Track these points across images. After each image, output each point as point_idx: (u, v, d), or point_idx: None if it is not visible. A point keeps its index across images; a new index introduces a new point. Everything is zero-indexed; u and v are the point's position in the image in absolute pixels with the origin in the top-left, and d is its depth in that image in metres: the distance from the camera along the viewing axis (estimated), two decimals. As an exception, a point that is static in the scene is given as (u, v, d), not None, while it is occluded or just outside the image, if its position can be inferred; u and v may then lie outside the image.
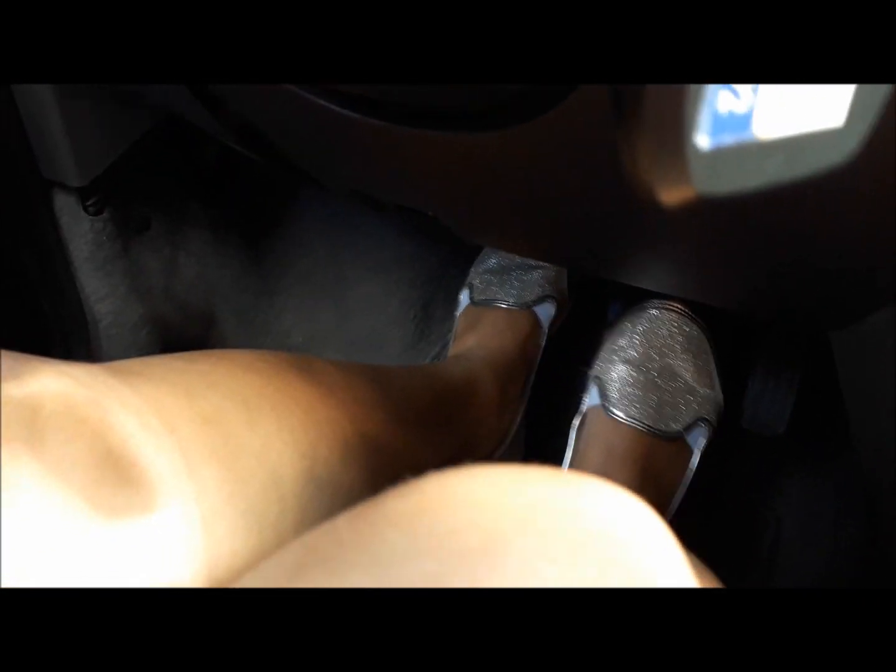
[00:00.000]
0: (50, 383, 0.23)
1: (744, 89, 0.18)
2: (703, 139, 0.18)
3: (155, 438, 0.26)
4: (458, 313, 0.67)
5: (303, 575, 0.18)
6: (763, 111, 0.19)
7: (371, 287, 0.77)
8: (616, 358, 0.54)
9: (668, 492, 0.52)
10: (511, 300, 0.62)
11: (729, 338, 0.57)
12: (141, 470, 0.24)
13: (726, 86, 0.18)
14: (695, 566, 0.28)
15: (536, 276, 0.64)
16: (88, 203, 0.57)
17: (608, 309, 0.63)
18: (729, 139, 0.19)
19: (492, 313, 0.62)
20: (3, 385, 0.22)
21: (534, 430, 0.65)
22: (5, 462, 0.21)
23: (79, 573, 0.22)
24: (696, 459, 0.53)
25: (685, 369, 0.53)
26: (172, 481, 0.25)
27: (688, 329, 0.54)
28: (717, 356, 0.55)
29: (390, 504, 0.19)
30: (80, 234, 0.59)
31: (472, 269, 0.68)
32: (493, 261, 0.67)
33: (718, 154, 0.19)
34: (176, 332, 0.71)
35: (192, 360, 0.32)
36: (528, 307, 0.62)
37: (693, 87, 0.18)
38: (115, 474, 0.23)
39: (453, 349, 0.63)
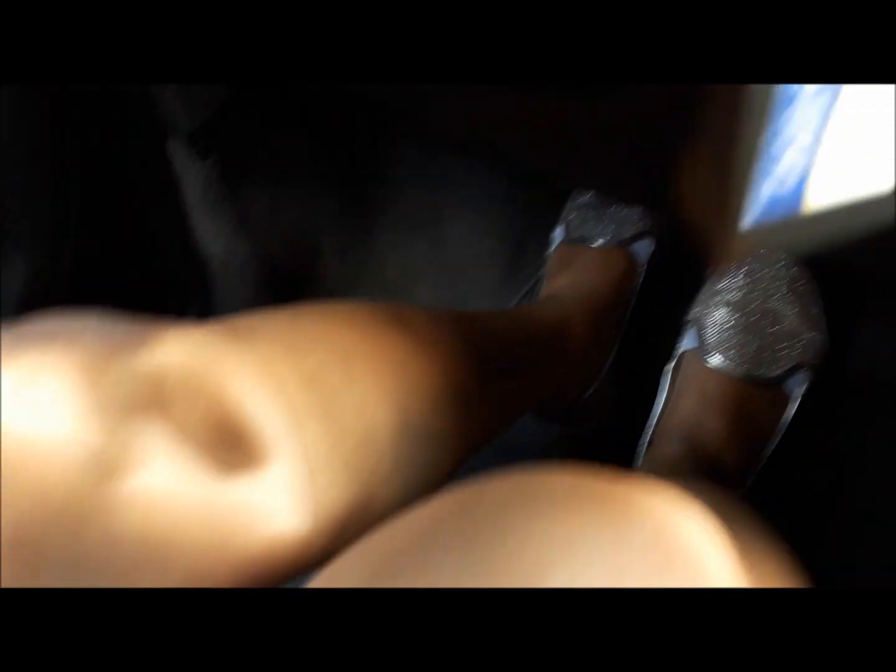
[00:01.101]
0: (173, 353, 0.26)
1: (789, 173, 0.17)
2: (749, 216, 0.18)
3: (266, 398, 0.28)
4: (550, 250, 0.66)
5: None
6: (811, 186, 0.18)
7: (465, 222, 0.78)
8: (716, 300, 0.52)
9: (762, 439, 0.51)
10: (607, 237, 0.61)
11: (836, 279, 0.54)
12: (254, 429, 0.27)
13: (770, 174, 0.17)
14: (762, 551, 0.28)
15: (635, 212, 0.62)
16: (197, 148, 0.60)
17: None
18: (776, 214, 0.18)
19: (585, 253, 0.61)
20: (133, 358, 0.25)
21: (627, 368, 0.65)
22: (142, 427, 0.24)
23: (205, 521, 0.25)
24: (794, 407, 0.52)
25: (789, 312, 0.52)
26: (282, 438, 0.28)
27: (793, 270, 0.52)
28: (820, 299, 0.53)
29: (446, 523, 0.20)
30: (191, 177, 0.62)
31: (569, 203, 0.67)
32: (590, 196, 0.65)
33: (762, 228, 0.18)
34: (281, 268, 0.74)
35: (296, 317, 0.35)
36: (624, 245, 0.61)
37: (737, 181, 0.17)
38: (232, 434, 0.26)
39: (546, 288, 0.63)
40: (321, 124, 0.74)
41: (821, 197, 0.18)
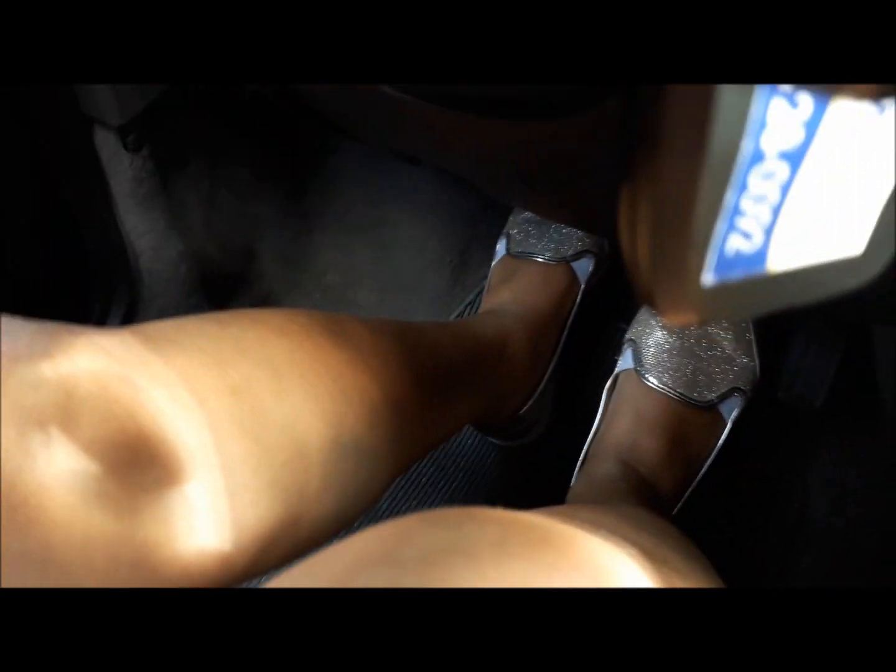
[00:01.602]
0: (83, 362, 0.24)
1: (755, 230, 0.17)
2: (706, 277, 0.17)
3: (184, 413, 0.26)
4: (494, 263, 0.66)
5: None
6: (776, 247, 0.17)
7: (409, 229, 0.77)
8: (654, 322, 0.53)
9: (696, 461, 0.52)
10: (549, 254, 0.61)
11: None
12: (170, 447, 0.25)
13: (735, 229, 0.17)
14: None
15: (576, 230, 0.62)
16: (128, 139, 0.57)
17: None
18: (737, 275, 0.17)
19: (528, 267, 0.61)
20: (38, 365, 0.23)
21: (564, 384, 0.65)
22: (43, 444, 0.22)
23: (110, 550, 0.23)
24: (727, 429, 0.52)
25: (724, 338, 0.52)
26: (199, 456, 0.26)
27: (729, 296, 0.53)
28: (756, 324, 0.54)
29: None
30: (121, 170, 0.59)
31: (511, 218, 0.67)
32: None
33: (723, 288, 0.18)
34: (215, 267, 0.72)
35: (224, 324, 0.33)
36: (565, 262, 0.61)
37: (699, 231, 0.16)
38: (146, 452, 0.24)
39: (486, 301, 0.63)
40: (261, 120, 0.71)
41: (786, 257, 0.18)
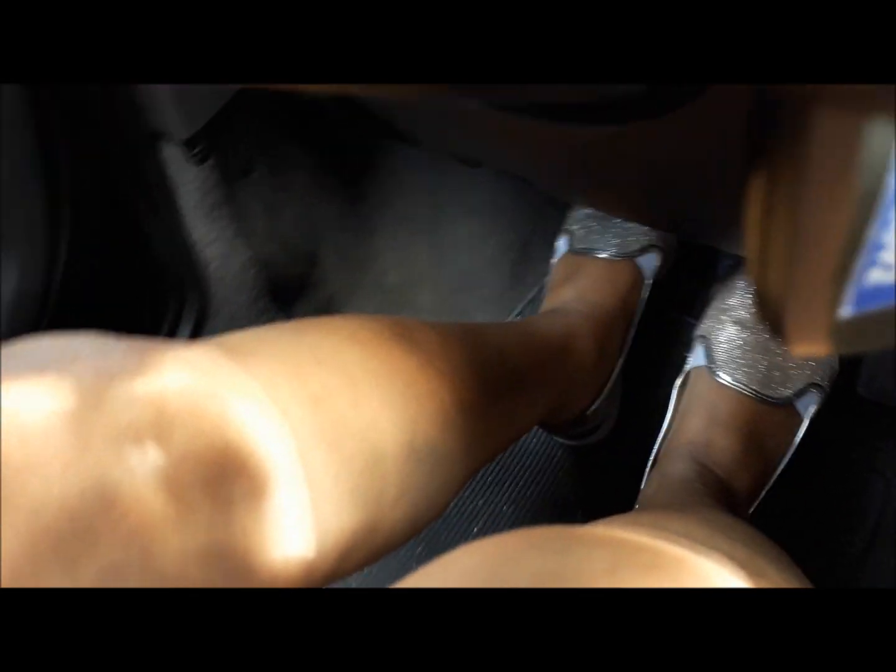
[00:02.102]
0: (172, 378, 0.25)
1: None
2: (843, 310, 0.17)
3: (269, 424, 0.27)
4: (554, 260, 0.65)
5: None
6: None
7: (468, 228, 0.77)
8: (725, 318, 0.51)
9: (772, 459, 0.50)
10: (613, 250, 0.60)
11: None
12: (256, 459, 0.25)
13: (877, 263, 0.16)
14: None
15: (640, 225, 0.61)
16: (193, 153, 0.59)
17: (718, 262, 0.60)
18: (874, 307, 0.17)
19: (592, 264, 0.60)
20: (131, 382, 0.24)
21: (631, 381, 0.64)
22: (140, 458, 0.23)
23: (205, 559, 0.23)
24: (804, 427, 0.51)
25: (799, 332, 0.51)
26: (285, 466, 0.27)
27: (805, 288, 0.51)
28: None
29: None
30: (187, 182, 0.60)
31: (572, 214, 0.66)
32: (596, 205, 0.64)
33: (860, 321, 0.17)
34: (280, 272, 0.73)
35: (300, 334, 0.33)
36: (630, 258, 0.60)
37: (840, 265, 0.16)
38: (234, 466, 0.25)
39: (549, 299, 0.62)
40: (320, 128, 0.72)
41: None
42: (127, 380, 0.24)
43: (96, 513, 0.22)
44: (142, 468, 0.23)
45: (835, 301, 0.17)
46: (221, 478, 0.24)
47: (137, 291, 0.62)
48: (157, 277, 0.62)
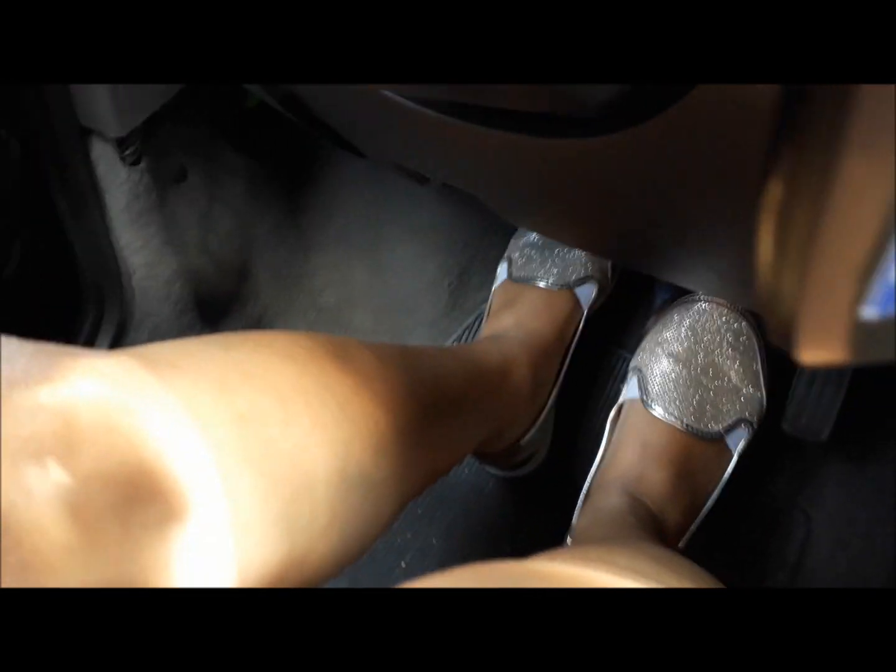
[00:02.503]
0: (84, 388, 0.22)
1: None
2: (865, 310, 0.16)
3: (188, 444, 0.25)
4: (494, 287, 0.65)
5: None
6: None
7: (407, 250, 0.76)
8: (660, 351, 0.52)
9: (702, 494, 0.51)
10: (551, 279, 0.60)
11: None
12: (173, 481, 0.23)
13: None
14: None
15: (579, 255, 0.61)
16: (126, 153, 0.56)
17: (654, 295, 0.60)
18: None
19: (530, 292, 0.60)
20: (36, 390, 0.21)
21: (563, 413, 0.64)
22: (39, 477, 0.20)
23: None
24: (734, 462, 0.51)
25: (731, 368, 0.51)
26: (204, 491, 0.25)
27: (737, 325, 0.52)
28: (764, 355, 0.53)
29: None
30: (117, 184, 0.57)
31: (512, 242, 0.66)
32: (535, 235, 0.64)
33: (883, 324, 0.16)
34: (209, 286, 0.70)
35: (228, 348, 0.31)
36: (568, 287, 0.60)
37: (864, 257, 0.15)
38: (147, 487, 0.22)
39: (488, 326, 0.62)
40: (261, 135, 0.70)
41: None
42: (30, 387, 0.21)
43: None
44: (41, 489, 0.20)
45: (857, 298, 0.15)
46: (133, 501, 0.22)
47: (52, 297, 0.58)
48: (76, 284, 0.58)
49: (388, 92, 0.26)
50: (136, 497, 0.22)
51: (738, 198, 0.22)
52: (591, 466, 0.54)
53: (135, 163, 0.57)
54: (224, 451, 0.26)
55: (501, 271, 0.64)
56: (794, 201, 0.15)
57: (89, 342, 0.58)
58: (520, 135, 0.24)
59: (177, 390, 0.26)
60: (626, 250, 0.35)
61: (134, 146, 0.56)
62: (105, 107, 0.51)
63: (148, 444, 0.23)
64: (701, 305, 0.52)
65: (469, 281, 0.76)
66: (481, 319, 0.72)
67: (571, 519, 0.51)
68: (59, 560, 0.20)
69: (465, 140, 0.27)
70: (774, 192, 0.16)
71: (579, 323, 0.61)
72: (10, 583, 0.19)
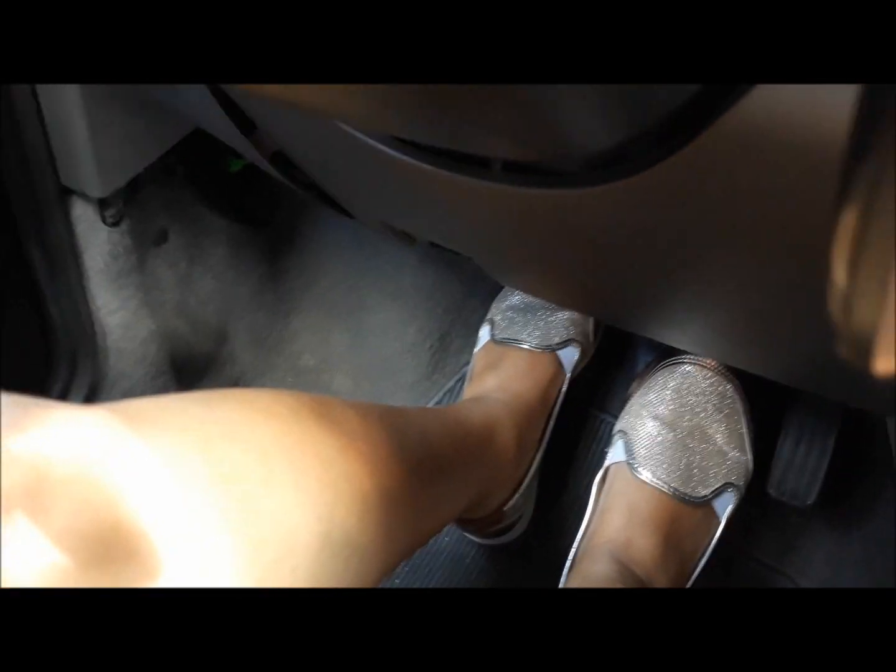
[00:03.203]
0: (59, 440, 0.21)
1: None
2: None
3: (167, 505, 0.23)
4: (476, 349, 0.64)
5: None
6: None
7: (388, 313, 0.75)
8: (645, 413, 0.51)
9: (690, 560, 0.50)
10: (534, 341, 0.60)
11: (761, 397, 0.55)
12: (149, 543, 0.22)
13: None
14: None
15: (561, 318, 0.62)
16: (107, 213, 0.56)
17: (637, 358, 0.61)
18: None
19: (513, 354, 0.60)
20: (7, 440, 0.20)
21: (547, 476, 0.63)
22: (7, 534, 0.19)
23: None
24: (721, 527, 0.50)
25: (717, 431, 0.51)
26: (181, 554, 0.23)
27: (722, 388, 0.52)
28: (749, 417, 0.53)
29: None
30: (97, 244, 0.57)
31: (494, 305, 0.66)
32: (517, 298, 0.65)
33: None
34: (186, 348, 0.69)
35: (209, 405, 0.30)
36: (551, 350, 0.60)
37: None
38: (122, 548, 0.21)
39: (470, 388, 0.61)
40: (243, 201, 0.71)
41: None
42: (2, 436, 0.20)
43: None
44: (8, 547, 0.19)
45: None
46: (105, 562, 0.20)
47: (23, 356, 0.56)
48: (49, 341, 0.57)
49: (376, 143, 0.26)
50: (108, 558, 0.21)
51: (754, 242, 0.22)
52: (575, 533, 0.52)
53: (115, 224, 0.57)
54: (203, 513, 0.25)
55: (484, 333, 0.64)
56: (869, 225, 0.15)
57: (60, 400, 0.56)
58: (507, 186, 0.24)
59: (156, 447, 0.25)
60: (617, 309, 0.35)
61: (116, 207, 0.55)
62: (87, 166, 0.51)
63: (124, 502, 0.22)
64: (685, 368, 0.52)
65: (450, 345, 0.75)
66: (462, 383, 0.72)
67: (555, 587, 0.49)
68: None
69: (453, 194, 0.27)
70: (848, 219, 0.15)
71: (562, 385, 0.60)
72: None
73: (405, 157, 0.26)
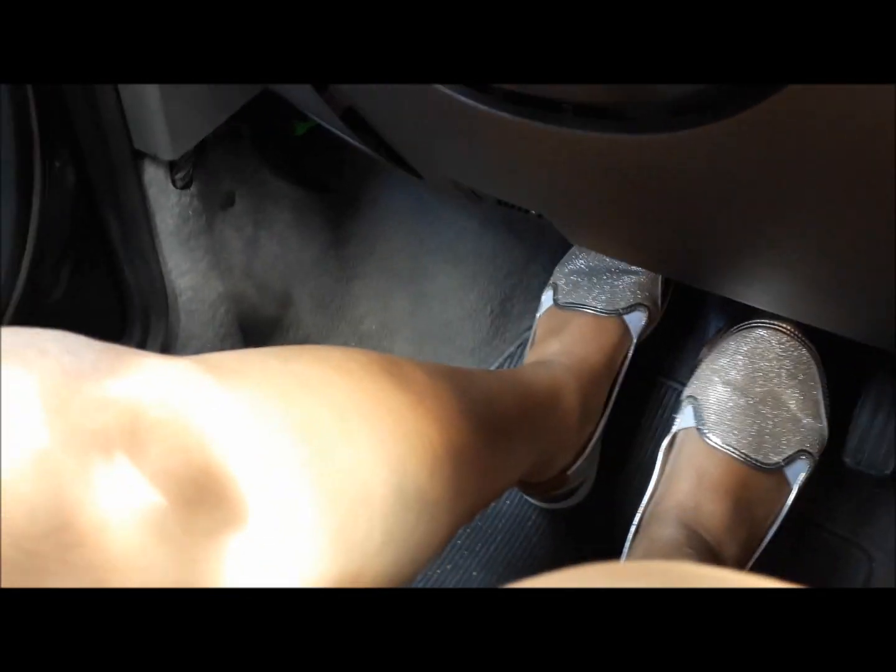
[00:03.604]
0: (153, 386, 0.22)
1: None
2: None
3: (252, 450, 0.24)
4: (539, 314, 0.64)
5: None
6: None
7: (449, 279, 0.75)
8: (716, 379, 0.50)
9: (761, 527, 0.49)
10: (600, 306, 0.59)
11: (838, 364, 0.53)
12: (236, 487, 0.23)
13: None
14: None
15: (628, 282, 0.60)
16: (177, 176, 0.57)
17: (707, 324, 0.59)
18: None
19: (578, 318, 0.59)
20: (105, 384, 0.21)
21: (610, 443, 0.62)
22: (106, 473, 0.19)
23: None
24: (793, 495, 0.49)
25: (791, 397, 0.50)
26: (265, 499, 0.24)
27: (797, 353, 0.50)
28: (825, 384, 0.51)
29: None
30: (167, 206, 0.58)
31: (558, 269, 0.65)
32: (582, 262, 0.63)
33: None
34: (253, 312, 0.70)
35: (286, 359, 0.31)
36: (617, 314, 0.59)
37: None
38: (212, 491, 0.22)
39: (533, 353, 0.60)
40: (307, 165, 0.71)
41: None
42: (99, 381, 0.21)
43: (46, 537, 0.19)
44: (107, 485, 0.19)
45: None
46: (196, 504, 0.21)
47: (99, 314, 0.58)
48: (123, 302, 0.58)
49: (451, 91, 0.26)
50: (199, 500, 0.21)
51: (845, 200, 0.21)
52: (637, 499, 0.52)
53: (185, 186, 0.58)
54: (284, 462, 0.25)
55: (546, 298, 0.63)
56: None
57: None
58: (588, 132, 0.24)
59: (238, 396, 0.25)
60: (694, 266, 0.34)
61: (185, 170, 0.56)
62: (159, 130, 0.52)
63: (214, 447, 0.22)
64: (759, 332, 0.50)
65: (511, 310, 0.75)
66: (523, 348, 0.71)
67: (617, 552, 0.49)
68: (121, 562, 0.19)
69: (527, 143, 0.27)
70: None
71: (628, 351, 0.59)
72: (72, 582, 0.18)
73: (479, 105, 0.26)
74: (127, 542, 0.19)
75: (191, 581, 0.21)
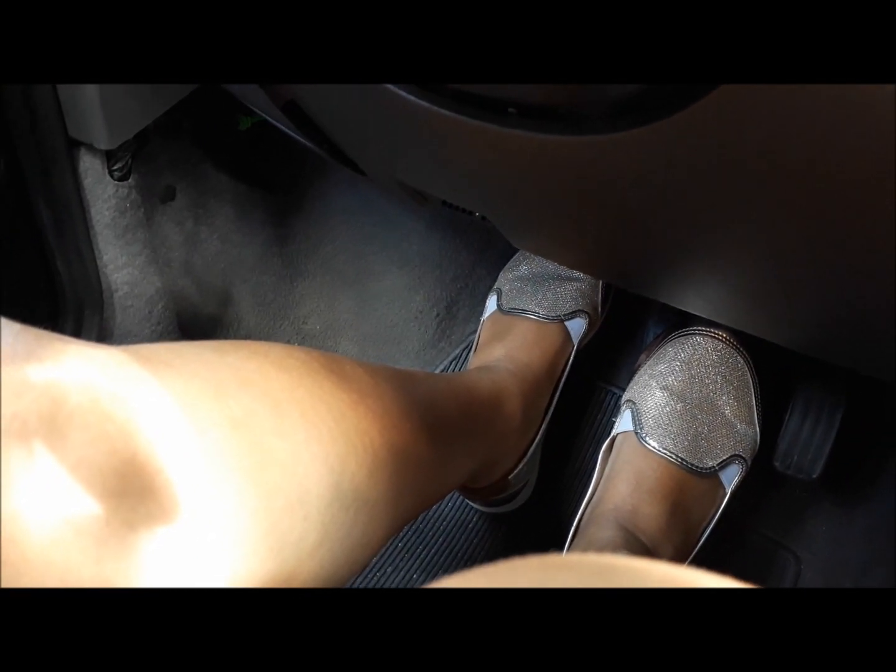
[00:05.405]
0: (75, 371, 0.21)
1: None
2: None
3: (181, 443, 0.23)
4: (483, 318, 0.64)
5: None
6: None
7: (395, 280, 0.75)
8: (654, 384, 0.51)
9: (695, 530, 0.50)
10: (543, 312, 0.60)
11: (769, 370, 0.54)
12: (164, 480, 0.22)
13: None
14: None
15: (570, 289, 0.61)
16: (115, 167, 0.55)
17: (646, 331, 0.60)
18: None
19: (521, 324, 0.60)
20: (23, 368, 0.19)
21: (550, 447, 0.63)
22: (23, 460, 0.18)
23: (91, 587, 0.19)
24: (727, 499, 0.50)
25: (726, 403, 0.51)
26: (196, 494, 0.23)
27: (732, 360, 0.52)
28: (758, 390, 0.53)
29: None
30: (104, 198, 0.56)
31: (502, 275, 0.66)
32: (526, 268, 0.64)
33: None
34: (192, 309, 0.68)
35: (222, 353, 0.30)
36: (559, 320, 0.59)
37: None
38: (138, 482, 0.21)
39: (477, 357, 0.61)
40: (251, 161, 0.70)
41: None
42: (16, 364, 0.19)
43: None
44: (23, 475, 0.18)
45: None
46: (120, 496, 0.20)
47: (30, 309, 0.56)
48: (54, 296, 0.56)
49: (398, 89, 0.26)
50: (122, 492, 0.20)
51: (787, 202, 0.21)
52: (578, 502, 0.52)
53: (123, 178, 0.56)
54: (217, 456, 0.24)
55: (491, 303, 0.64)
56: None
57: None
58: (530, 132, 0.24)
59: (170, 388, 0.24)
60: (634, 270, 0.35)
61: (123, 161, 0.55)
62: (95, 118, 0.50)
63: (140, 437, 0.21)
64: (696, 339, 0.52)
65: (457, 313, 0.75)
66: (468, 352, 0.71)
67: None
68: (38, 557, 0.18)
69: (470, 143, 0.27)
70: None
71: (569, 357, 0.60)
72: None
73: (424, 103, 0.26)
74: (43, 537, 0.18)
75: (111, 578, 0.20)
